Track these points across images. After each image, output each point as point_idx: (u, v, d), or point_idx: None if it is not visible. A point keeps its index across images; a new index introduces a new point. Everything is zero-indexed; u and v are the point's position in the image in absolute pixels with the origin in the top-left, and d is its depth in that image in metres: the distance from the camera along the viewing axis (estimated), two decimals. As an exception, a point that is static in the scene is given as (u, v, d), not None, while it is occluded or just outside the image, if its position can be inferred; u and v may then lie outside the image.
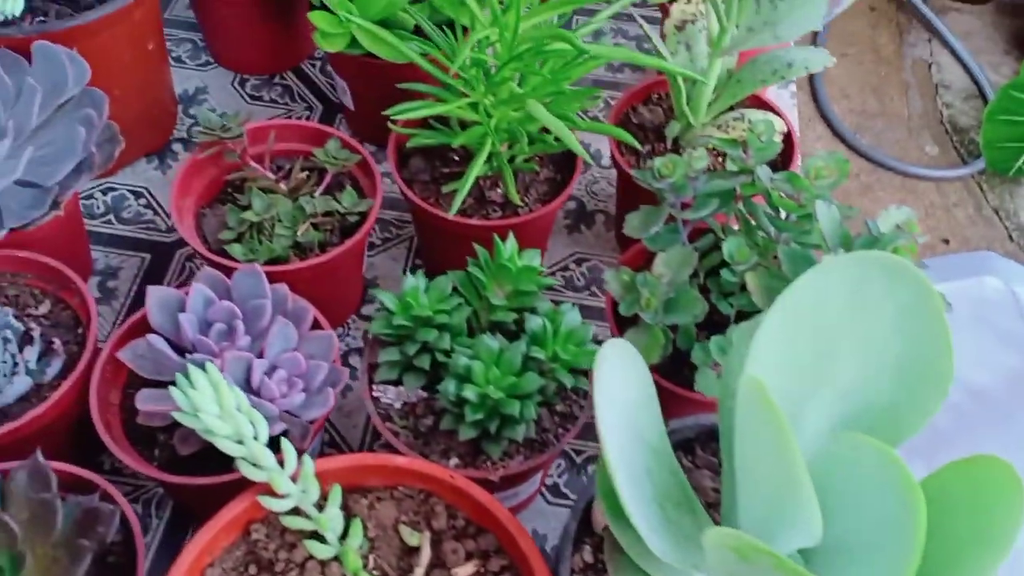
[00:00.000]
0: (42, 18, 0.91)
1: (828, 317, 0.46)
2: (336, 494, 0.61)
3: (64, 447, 0.78)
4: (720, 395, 0.52)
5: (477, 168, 0.81)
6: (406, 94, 1.03)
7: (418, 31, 0.96)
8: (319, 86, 1.17)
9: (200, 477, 0.68)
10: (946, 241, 1.22)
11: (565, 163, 0.92)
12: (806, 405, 0.46)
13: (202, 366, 0.57)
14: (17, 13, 0.87)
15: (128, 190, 1.04)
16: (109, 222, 1.01)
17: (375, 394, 0.74)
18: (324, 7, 0.94)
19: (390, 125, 0.87)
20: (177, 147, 1.09)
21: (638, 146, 0.84)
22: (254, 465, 0.59)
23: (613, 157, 0.92)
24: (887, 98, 1.38)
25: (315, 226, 0.86)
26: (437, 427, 0.72)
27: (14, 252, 0.78)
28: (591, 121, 0.82)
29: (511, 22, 0.76)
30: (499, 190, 0.89)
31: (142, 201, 1.03)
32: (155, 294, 0.72)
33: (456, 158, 0.92)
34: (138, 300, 0.94)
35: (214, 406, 0.57)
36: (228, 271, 0.74)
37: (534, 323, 0.70)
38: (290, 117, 1.13)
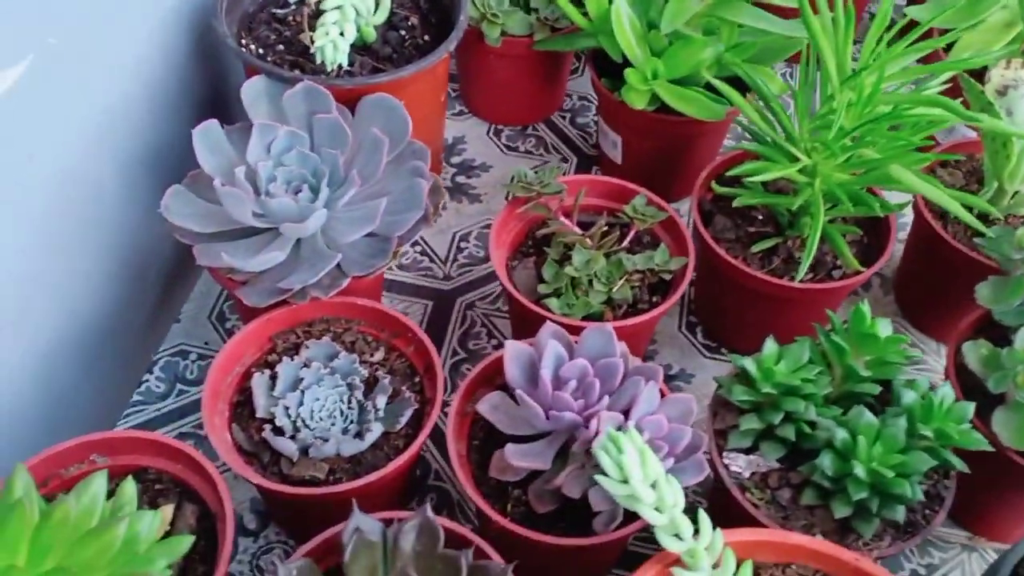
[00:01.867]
0: (348, 68, 0.93)
1: None
2: (747, 571, 0.59)
3: (395, 496, 0.78)
4: None
5: (817, 234, 0.79)
6: (684, 154, 1.04)
7: (709, 87, 0.96)
8: (570, 137, 1.18)
9: (567, 537, 0.67)
10: None
11: (871, 225, 0.90)
12: None
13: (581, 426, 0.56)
14: (345, 64, 0.90)
15: (402, 236, 1.05)
16: (390, 268, 1.02)
17: (725, 461, 0.72)
18: (627, 64, 0.94)
19: (714, 186, 0.86)
20: (444, 195, 1.10)
21: (978, 225, 0.81)
22: (675, 535, 0.57)
23: (920, 218, 0.90)
24: None
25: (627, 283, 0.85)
26: (796, 500, 0.70)
27: (352, 299, 0.79)
28: (950, 189, 0.79)
29: (868, 87, 0.74)
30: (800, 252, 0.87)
31: (417, 248, 1.04)
32: (511, 349, 0.72)
33: (760, 217, 0.91)
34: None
35: (639, 472, 0.56)
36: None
37: (909, 397, 0.68)
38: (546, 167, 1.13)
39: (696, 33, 0.93)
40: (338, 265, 0.78)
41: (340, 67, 0.90)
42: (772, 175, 0.78)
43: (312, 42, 0.88)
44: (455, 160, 1.14)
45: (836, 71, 0.76)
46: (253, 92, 0.85)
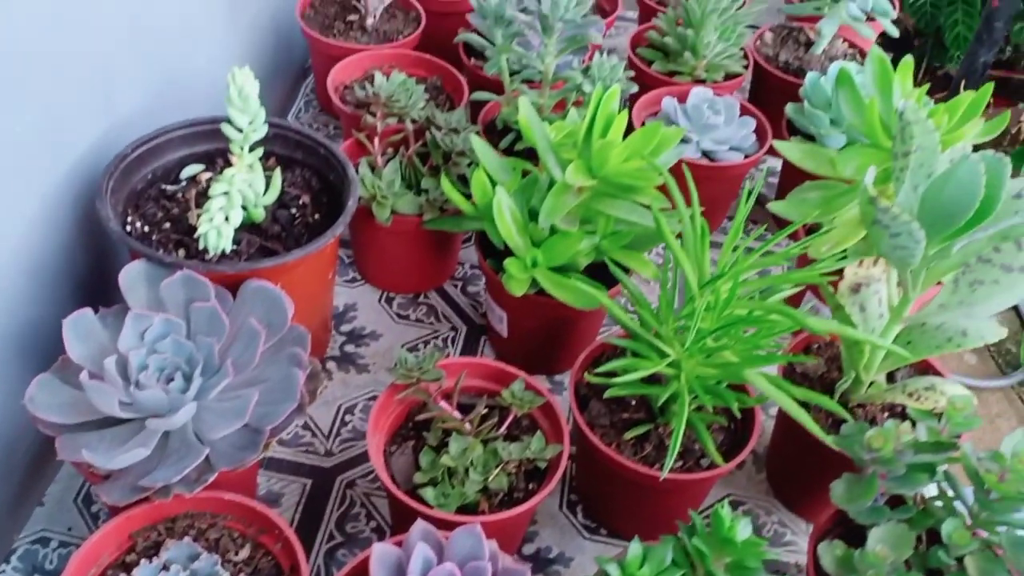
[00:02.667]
0: (236, 247, 0.94)
1: None
2: None
3: None
4: None
5: (681, 427, 0.81)
6: (566, 331, 1.07)
7: (590, 272, 1.00)
8: (461, 306, 1.20)
9: None
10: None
11: (741, 411, 0.94)
12: None
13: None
14: (227, 249, 0.91)
15: (285, 409, 1.04)
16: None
17: (593, 667, 0.71)
18: (508, 252, 0.98)
19: (587, 376, 0.89)
20: (331, 365, 1.10)
21: (846, 415, 0.85)
22: None
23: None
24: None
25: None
26: None
27: (220, 494, 0.78)
28: (802, 388, 0.83)
29: (724, 293, 0.79)
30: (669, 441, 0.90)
31: (299, 422, 1.03)
32: (378, 552, 0.71)
33: (633, 403, 0.93)
34: (301, 530, 0.93)
35: None
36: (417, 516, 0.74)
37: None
38: (436, 337, 1.15)
39: (575, 221, 0.97)
40: (207, 458, 0.77)
41: (223, 251, 0.91)
42: (639, 374, 0.81)
43: (199, 223, 0.90)
44: (345, 328, 1.15)
45: (694, 277, 0.80)
46: (131, 277, 0.85)
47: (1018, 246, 0.78)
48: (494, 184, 1.02)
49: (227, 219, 0.89)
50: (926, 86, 1.00)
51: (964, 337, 0.90)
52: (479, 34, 1.19)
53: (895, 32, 1.43)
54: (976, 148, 0.92)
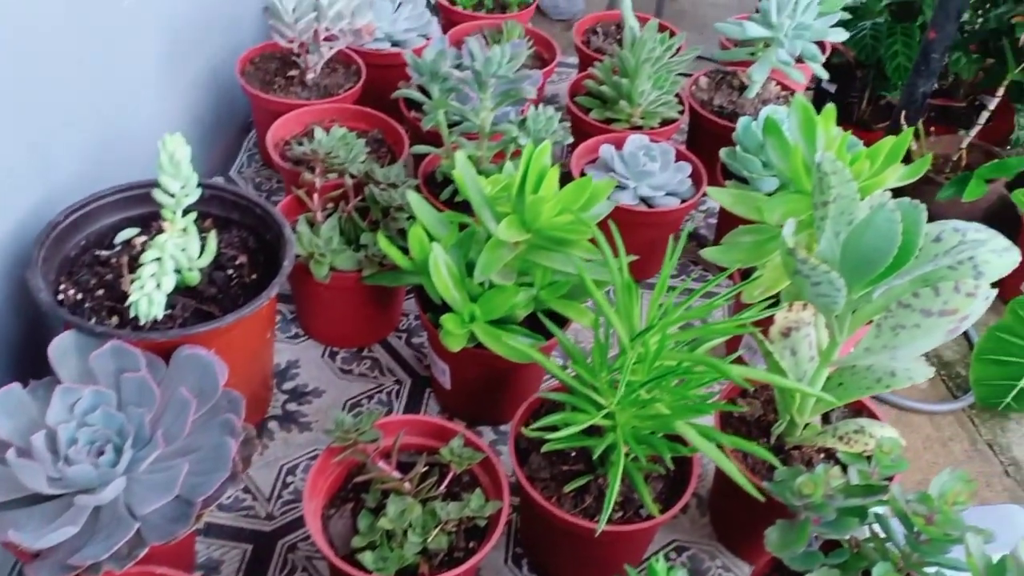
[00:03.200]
0: (170, 311, 0.94)
1: None
2: None
3: None
4: None
5: (617, 479, 0.82)
6: (509, 381, 1.08)
7: (533, 320, 1.01)
8: (406, 359, 1.20)
9: None
10: (947, 477, 1.26)
11: (678, 460, 0.95)
12: None
13: None
14: (159, 316, 0.90)
15: (226, 471, 1.03)
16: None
17: None
18: (447, 308, 0.98)
19: (524, 431, 0.89)
20: (272, 425, 1.09)
21: (775, 462, 0.87)
22: None
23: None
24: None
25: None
26: None
27: (153, 568, 0.76)
28: (732, 436, 0.84)
29: (653, 348, 0.80)
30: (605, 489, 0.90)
31: (233, 490, 1.02)
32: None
33: (573, 454, 0.94)
34: (243, 596, 0.92)
35: None
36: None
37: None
38: (380, 391, 1.15)
39: (511, 275, 0.98)
40: (138, 532, 0.76)
41: (155, 319, 0.91)
42: (572, 429, 0.81)
43: (130, 291, 0.89)
44: (287, 386, 1.14)
45: (624, 331, 0.81)
46: (61, 348, 0.84)
47: (935, 292, 0.80)
48: (432, 239, 1.03)
49: (159, 286, 0.89)
50: (847, 134, 1.03)
51: (893, 378, 0.92)
52: (418, 89, 1.21)
53: (824, 75, 1.47)
54: (897, 193, 0.95)
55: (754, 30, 1.39)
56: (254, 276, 1.02)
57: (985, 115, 1.65)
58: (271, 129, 1.29)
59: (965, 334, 1.55)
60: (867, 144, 1.87)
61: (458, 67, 1.17)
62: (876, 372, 0.92)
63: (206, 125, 1.46)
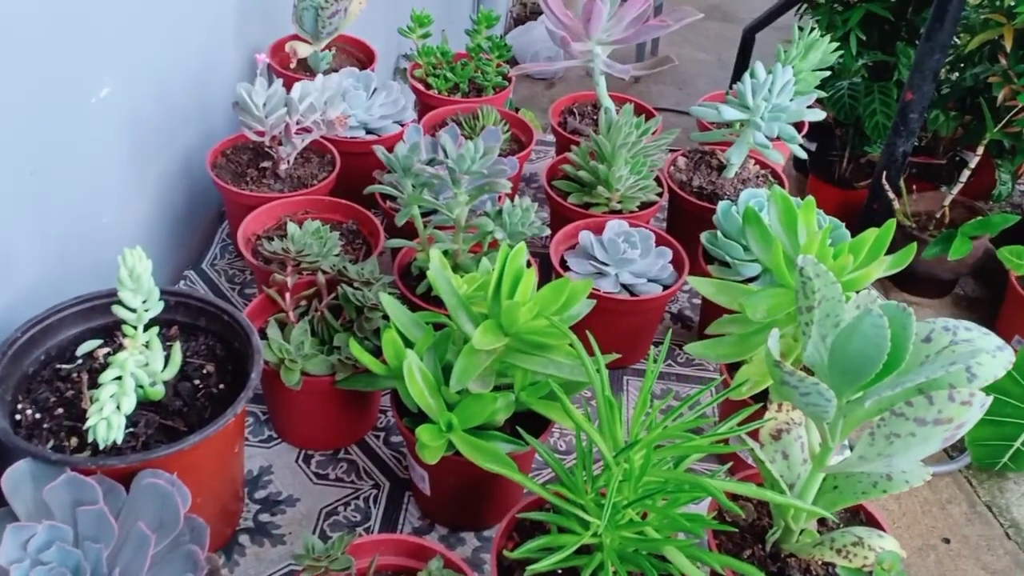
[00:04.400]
0: (132, 428, 0.89)
1: None
2: None
3: None
4: None
5: (605, 607, 0.78)
6: (491, 486, 1.03)
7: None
8: (384, 460, 1.16)
9: None
10: (947, 540, 1.22)
11: None
12: None
13: None
14: (119, 440, 0.86)
15: (194, 593, 0.98)
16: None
17: None
18: (423, 416, 0.95)
19: (506, 554, 0.85)
20: (244, 539, 1.04)
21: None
22: None
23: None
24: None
25: (422, 661, 0.81)
26: None
27: None
28: (723, 557, 0.80)
29: (638, 465, 0.77)
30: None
31: (210, 607, 0.97)
32: None
33: (560, 572, 0.89)
34: None
35: None
36: None
37: None
38: (358, 496, 1.11)
39: (488, 382, 0.95)
40: None
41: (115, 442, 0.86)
42: (558, 556, 0.77)
43: (89, 413, 0.85)
44: (259, 495, 1.09)
45: (607, 449, 0.78)
46: (15, 479, 0.80)
47: (929, 400, 0.77)
48: (407, 341, 1.00)
49: (119, 407, 0.85)
50: (828, 227, 1.01)
51: (889, 482, 0.89)
52: (390, 185, 1.18)
53: (803, 154, 1.47)
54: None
55: (730, 114, 1.38)
56: (222, 386, 0.98)
57: (967, 173, 1.65)
58: (242, 224, 1.26)
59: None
60: (850, 204, 1.87)
61: (431, 161, 1.15)
62: (872, 476, 0.89)
63: (179, 215, 1.43)
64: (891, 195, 1.68)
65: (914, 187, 1.77)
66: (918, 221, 1.74)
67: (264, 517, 1.07)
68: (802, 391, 0.78)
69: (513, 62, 1.87)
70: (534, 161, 1.81)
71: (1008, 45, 1.61)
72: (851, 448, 0.87)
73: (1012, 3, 1.63)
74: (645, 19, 1.46)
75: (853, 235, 1.80)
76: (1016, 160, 1.74)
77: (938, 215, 1.73)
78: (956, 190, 1.68)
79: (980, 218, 1.62)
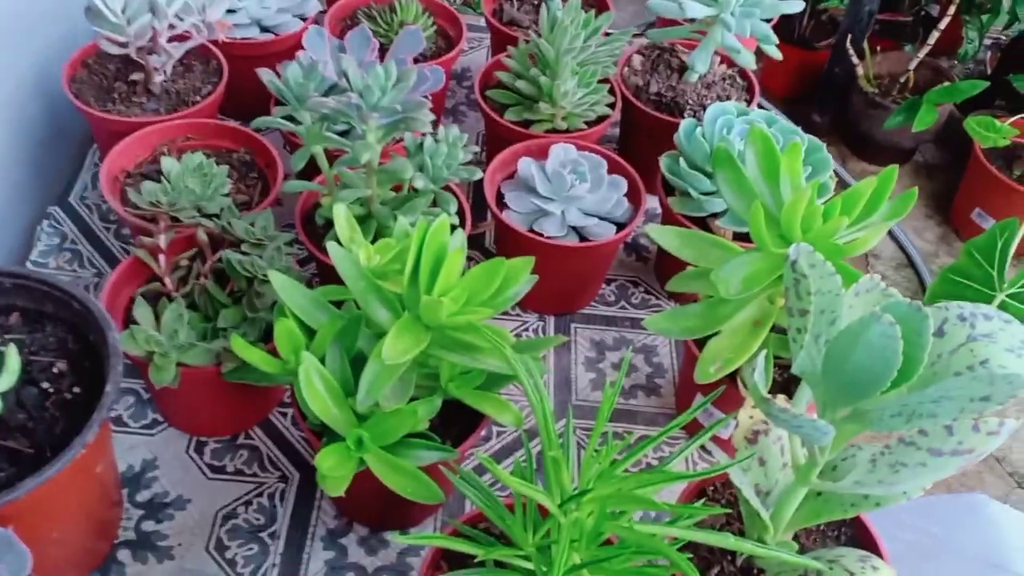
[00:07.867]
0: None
1: None
2: None
3: None
4: None
5: None
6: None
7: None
8: (292, 444, 0.99)
9: None
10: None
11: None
12: None
13: None
14: (-69, 491, 0.67)
15: (64, 631, 0.82)
16: None
17: None
18: (332, 433, 0.77)
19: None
20: (123, 555, 0.88)
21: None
22: None
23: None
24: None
25: None
26: None
27: None
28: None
29: (589, 521, 0.61)
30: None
31: (83, 649, 0.82)
32: None
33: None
34: None
35: None
36: None
37: None
38: (261, 493, 0.95)
39: (409, 386, 0.77)
40: None
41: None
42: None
43: None
44: (142, 496, 0.92)
45: (551, 503, 0.62)
46: None
47: (948, 432, 0.63)
48: (306, 329, 0.81)
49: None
50: (816, 182, 0.83)
51: (884, 496, 0.75)
52: (287, 118, 0.96)
53: (779, 56, 1.26)
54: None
55: (695, 10, 1.16)
56: (76, 389, 0.79)
57: (935, 35, 1.50)
58: (106, 160, 1.03)
59: (916, 273, 1.43)
60: (809, 66, 1.71)
61: (332, 88, 0.92)
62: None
63: (39, 140, 1.19)
64: (855, 59, 1.53)
65: (878, 47, 1.62)
66: (880, 85, 1.59)
67: (148, 525, 0.90)
68: (795, 424, 0.63)
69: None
70: (468, 53, 1.57)
71: None
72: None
73: None
74: None
75: (814, 101, 1.62)
76: (987, 20, 1.59)
77: (902, 79, 1.58)
78: (923, 52, 1.52)
79: (947, 84, 1.49)
